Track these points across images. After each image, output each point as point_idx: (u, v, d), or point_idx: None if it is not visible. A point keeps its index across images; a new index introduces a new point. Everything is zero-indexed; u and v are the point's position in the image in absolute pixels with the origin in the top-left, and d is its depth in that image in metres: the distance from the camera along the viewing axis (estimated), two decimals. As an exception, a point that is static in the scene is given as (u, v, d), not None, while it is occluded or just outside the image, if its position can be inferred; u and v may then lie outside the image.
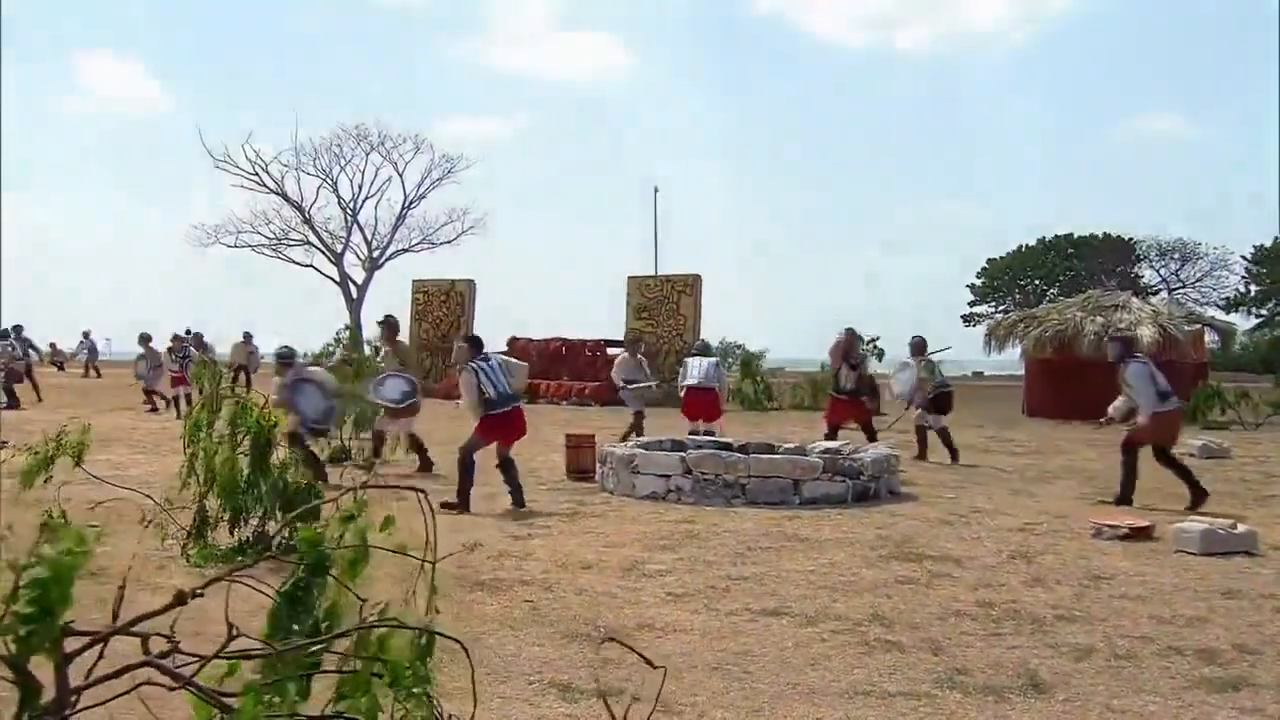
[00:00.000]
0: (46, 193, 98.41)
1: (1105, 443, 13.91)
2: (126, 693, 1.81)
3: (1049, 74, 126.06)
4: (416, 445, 10.93)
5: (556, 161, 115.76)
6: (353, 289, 48.75)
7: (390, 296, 61.50)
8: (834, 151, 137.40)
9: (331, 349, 24.63)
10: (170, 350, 20.04)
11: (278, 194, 47.73)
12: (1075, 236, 59.86)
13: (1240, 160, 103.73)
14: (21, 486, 6.27)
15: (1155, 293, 51.70)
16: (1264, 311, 55.93)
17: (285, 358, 9.75)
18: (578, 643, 4.78)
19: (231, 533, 6.52)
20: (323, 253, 48.95)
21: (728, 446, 10.47)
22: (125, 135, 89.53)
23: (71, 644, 1.77)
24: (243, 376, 22.55)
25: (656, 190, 36.26)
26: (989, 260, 62.16)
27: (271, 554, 5.85)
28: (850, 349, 12.56)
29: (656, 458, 9.53)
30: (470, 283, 27.06)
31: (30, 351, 22.30)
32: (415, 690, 1.80)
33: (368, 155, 48.29)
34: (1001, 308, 57.94)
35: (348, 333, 13.57)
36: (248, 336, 24.08)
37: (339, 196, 48.95)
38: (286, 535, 6.23)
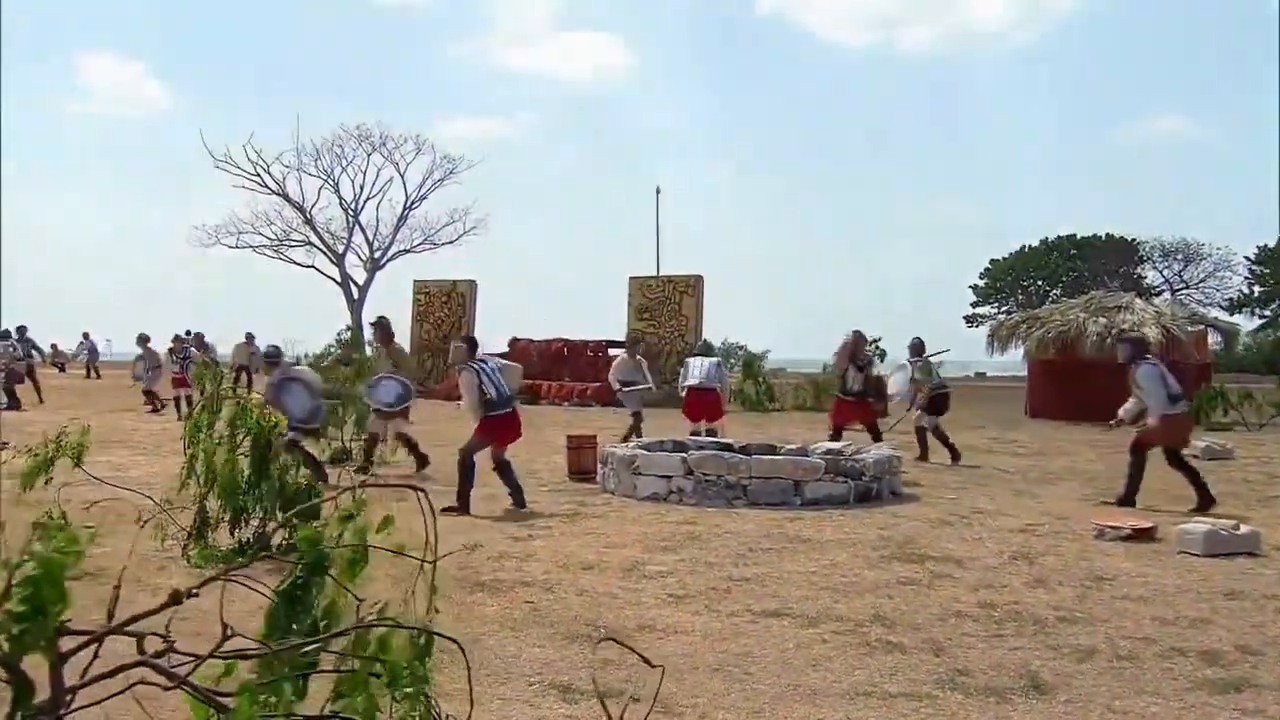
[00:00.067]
0: (47, 193, 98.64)
1: (1107, 444, 13.88)
2: (121, 692, 1.80)
3: (1052, 75, 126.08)
4: (408, 443, 10.97)
5: (558, 162, 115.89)
6: (354, 290, 48.78)
7: (391, 297, 61.53)
8: (836, 151, 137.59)
9: (332, 349, 24.66)
10: (171, 351, 20.05)
11: (279, 195, 47.82)
12: (1078, 237, 59.79)
13: (1243, 161, 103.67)
14: (22, 488, 6.27)
15: (1159, 294, 51.58)
16: (1267, 312, 55.81)
17: (272, 357, 9.72)
18: (578, 644, 4.77)
19: (232, 533, 6.52)
20: (324, 253, 49.01)
21: (729, 447, 10.46)
22: (126, 136, 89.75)
23: (68, 644, 1.77)
24: (244, 377, 22.58)
25: (658, 190, 36.24)
26: (992, 261, 62.13)
27: (268, 554, 5.85)
28: (857, 350, 12.54)
29: (658, 459, 9.52)
30: (471, 283, 27.07)
31: (33, 353, 22.34)
32: (410, 690, 1.79)
33: (369, 156, 48.38)
34: (1004, 308, 57.85)
35: (349, 333, 13.53)
36: (249, 337, 24.10)
37: (340, 197, 49.03)
38: (286, 535, 6.23)
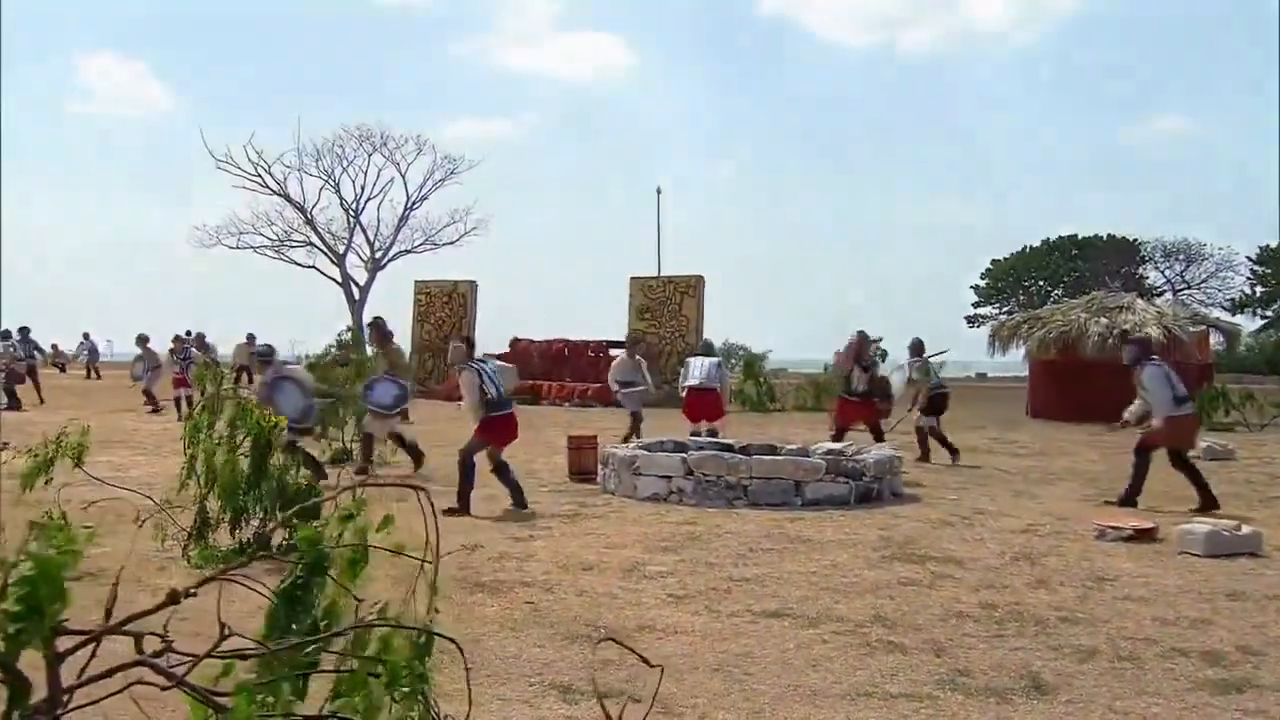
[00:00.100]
0: (48, 194, 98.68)
1: (1109, 444, 13.88)
2: (119, 692, 1.80)
3: (1053, 75, 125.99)
4: (401, 442, 11.00)
5: (559, 162, 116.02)
6: (355, 290, 48.76)
7: (392, 297, 61.54)
8: (837, 152, 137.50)
9: (333, 350, 24.62)
10: (172, 352, 20.04)
11: (280, 195, 47.80)
12: (1079, 237, 59.76)
13: (1245, 161, 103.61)
14: (22, 489, 6.27)
15: (1160, 294, 51.54)
16: (1269, 313, 55.76)
17: (265, 356, 9.69)
18: (579, 644, 4.77)
19: (232, 534, 6.51)
20: (325, 254, 48.94)
21: (729, 448, 10.46)
22: (127, 136, 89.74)
23: (65, 644, 1.76)
24: (245, 377, 22.57)
25: (659, 191, 36.20)
26: (993, 261, 62.09)
27: (266, 553, 5.85)
28: (861, 351, 12.52)
29: (658, 459, 9.52)
30: (472, 284, 27.07)
31: (35, 353, 22.37)
32: (408, 689, 1.78)
33: (370, 156, 48.29)
34: (1005, 309, 57.81)
35: (349, 334, 13.50)
36: (250, 338, 24.10)
37: (341, 197, 48.94)
38: (286, 536, 6.23)
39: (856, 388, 12.46)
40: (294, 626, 1.92)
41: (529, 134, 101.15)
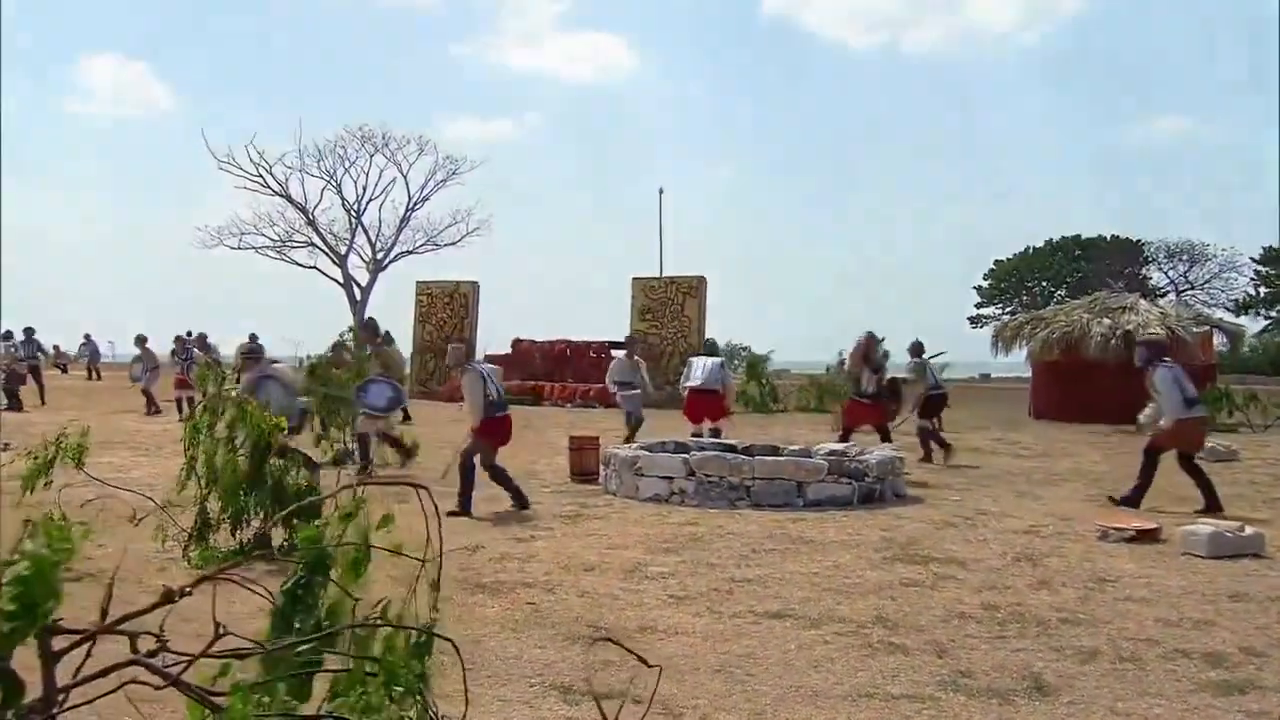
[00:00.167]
0: (49, 194, 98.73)
1: (1111, 445, 13.87)
2: (113, 691, 1.79)
3: (1056, 75, 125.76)
4: (391, 441, 11.03)
5: (561, 162, 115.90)
6: (356, 291, 48.81)
7: (394, 298, 61.67)
8: (840, 153, 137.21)
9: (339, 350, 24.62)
10: (174, 353, 20.04)
11: (282, 196, 47.85)
12: (1083, 238, 59.73)
13: (1249, 162, 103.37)
14: (22, 490, 6.27)
15: (1164, 295, 51.50)
16: (1273, 314, 55.68)
17: (251, 354, 9.60)
18: (579, 645, 4.75)
19: (233, 535, 6.51)
20: (327, 255, 49.01)
21: (732, 448, 10.45)
22: (129, 137, 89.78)
23: (60, 643, 1.76)
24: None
25: (661, 191, 36.16)
26: (996, 262, 62.06)
27: (263, 552, 5.84)
28: (870, 352, 12.49)
29: (660, 460, 9.51)
30: (474, 284, 27.06)
31: (38, 354, 22.41)
32: (401, 689, 1.78)
33: (372, 157, 48.36)
34: (1008, 309, 57.80)
35: (350, 335, 13.49)
36: (253, 338, 24.11)
37: (343, 198, 49.01)
38: (287, 536, 6.22)
39: (866, 389, 12.44)
40: (297, 626, 1.92)
41: (531, 134, 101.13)
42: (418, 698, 1.87)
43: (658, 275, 26.31)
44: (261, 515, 6.45)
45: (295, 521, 5.12)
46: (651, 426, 13.31)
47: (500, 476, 8.63)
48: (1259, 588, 6.04)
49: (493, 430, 8.64)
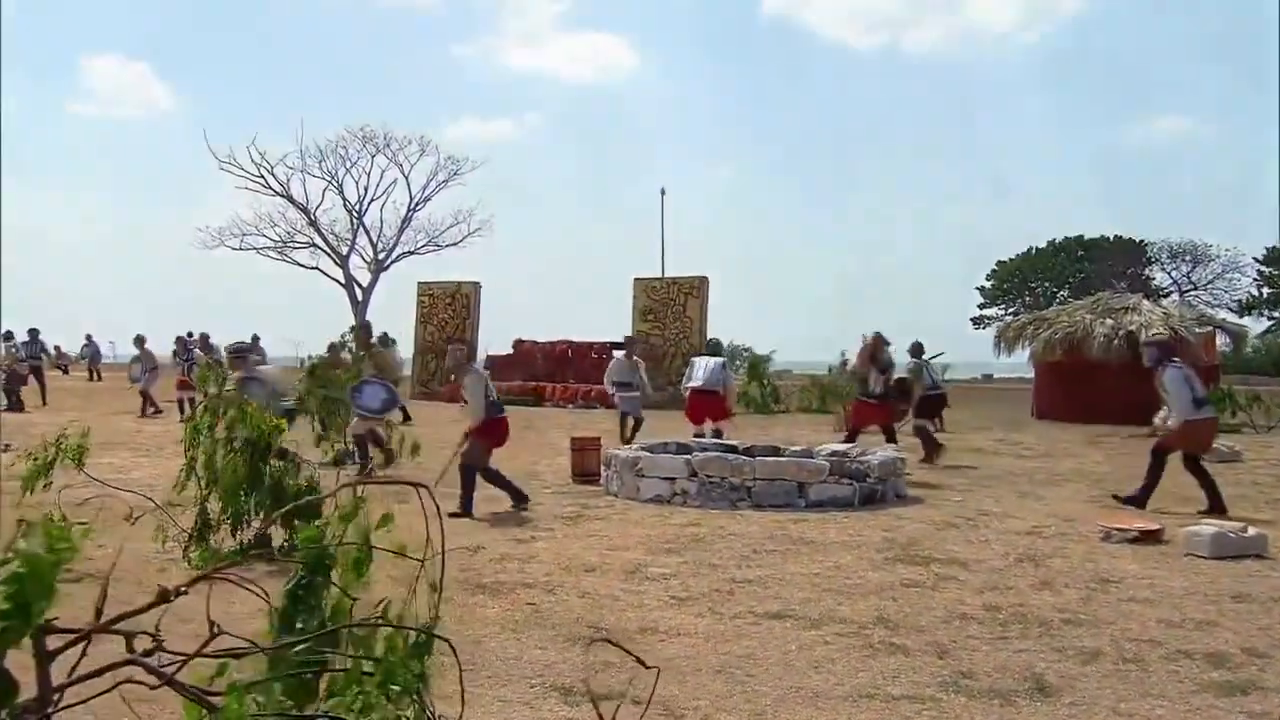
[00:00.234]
0: (50, 195, 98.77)
1: (1113, 446, 13.85)
2: (108, 691, 1.78)
3: (1058, 75, 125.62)
4: (376, 440, 11.07)
5: (562, 163, 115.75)
6: (358, 292, 48.84)
7: (396, 299, 61.67)
8: (841, 153, 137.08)
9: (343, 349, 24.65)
10: (175, 353, 20.04)
11: (283, 196, 47.88)
12: (1085, 238, 59.69)
13: (1251, 162, 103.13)
14: (23, 491, 6.27)
15: (1166, 295, 51.42)
16: (1276, 314, 55.62)
17: (238, 353, 9.59)
18: (580, 646, 4.75)
19: (233, 535, 6.51)
20: (328, 255, 49.06)
21: (733, 449, 10.44)
22: (130, 137, 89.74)
23: (55, 643, 1.75)
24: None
25: (663, 191, 36.17)
26: (998, 262, 62.02)
27: (261, 552, 5.83)
28: (877, 352, 12.47)
29: (661, 461, 9.50)
30: (476, 285, 27.06)
31: (41, 355, 22.45)
32: (398, 689, 1.77)
33: (373, 157, 48.38)
34: (1011, 310, 57.78)
35: (351, 335, 13.52)
36: (255, 339, 24.13)
37: (344, 199, 49.04)
38: (287, 536, 6.22)
39: (873, 389, 12.42)
40: (300, 626, 1.91)
41: (532, 135, 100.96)
42: (415, 697, 1.86)
43: (659, 275, 26.30)
44: (261, 516, 6.45)
45: (295, 522, 5.13)
46: (653, 427, 13.30)
47: (495, 477, 8.64)
48: (1262, 588, 6.02)
49: (492, 431, 8.69)
